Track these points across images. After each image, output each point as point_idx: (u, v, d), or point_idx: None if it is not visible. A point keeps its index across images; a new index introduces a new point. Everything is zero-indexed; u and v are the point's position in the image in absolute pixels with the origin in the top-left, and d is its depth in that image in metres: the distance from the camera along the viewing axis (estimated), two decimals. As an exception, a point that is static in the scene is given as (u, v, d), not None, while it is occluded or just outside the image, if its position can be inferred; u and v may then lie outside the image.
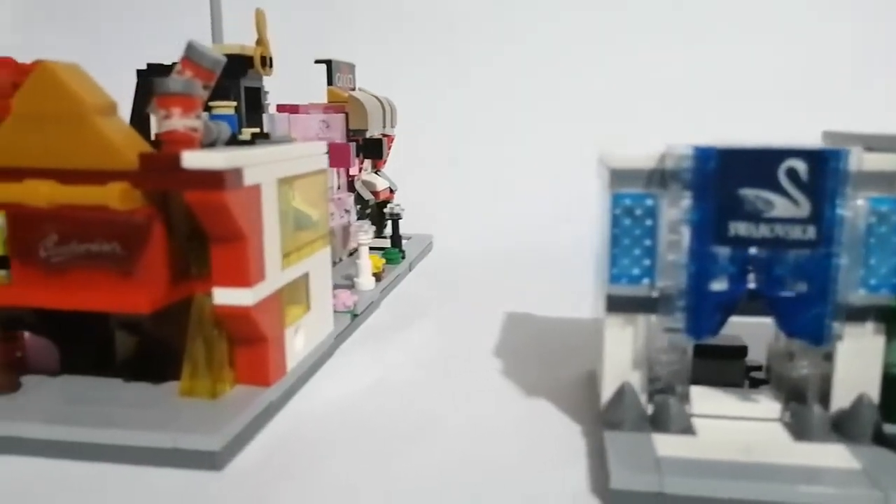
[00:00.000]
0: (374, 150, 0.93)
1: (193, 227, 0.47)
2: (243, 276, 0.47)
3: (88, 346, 0.52)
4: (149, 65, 0.71)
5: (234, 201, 0.44)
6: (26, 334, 0.53)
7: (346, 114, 0.89)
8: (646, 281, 0.44)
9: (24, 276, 0.48)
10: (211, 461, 0.43)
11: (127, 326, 0.49)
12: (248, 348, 0.50)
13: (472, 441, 0.47)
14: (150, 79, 0.68)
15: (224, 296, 0.47)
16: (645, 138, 0.45)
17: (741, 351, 0.49)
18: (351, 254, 0.91)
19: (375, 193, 0.98)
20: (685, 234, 0.42)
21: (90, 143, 0.44)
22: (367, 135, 0.91)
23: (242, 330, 0.49)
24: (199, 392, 0.49)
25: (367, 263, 0.76)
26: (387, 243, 0.95)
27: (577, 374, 0.59)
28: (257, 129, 0.70)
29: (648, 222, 0.43)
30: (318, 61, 0.92)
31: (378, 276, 0.80)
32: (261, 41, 0.71)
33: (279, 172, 0.51)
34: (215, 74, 0.49)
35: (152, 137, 0.50)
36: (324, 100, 0.90)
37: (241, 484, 0.42)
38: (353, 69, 1.00)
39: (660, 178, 0.43)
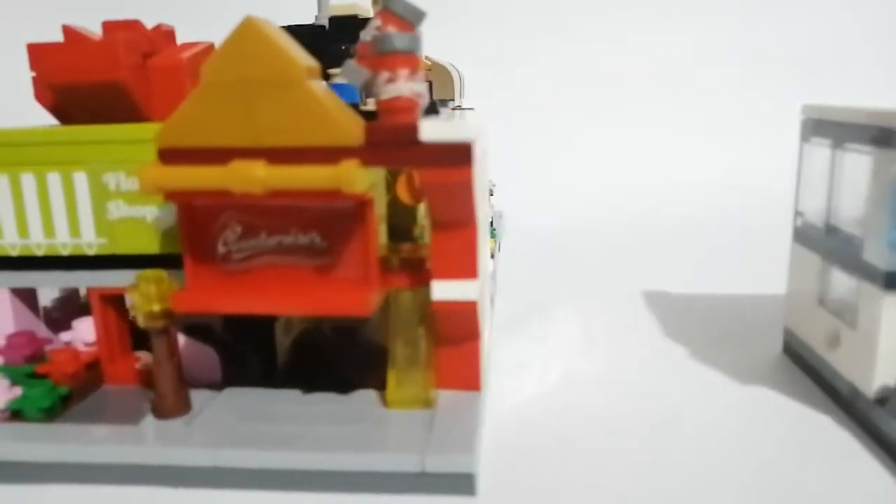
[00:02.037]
0: (456, 122, 0.86)
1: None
2: (469, 267, 0.40)
3: (260, 354, 0.45)
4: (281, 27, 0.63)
5: (474, 181, 0.37)
6: (181, 341, 0.45)
7: (430, 82, 0.81)
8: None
9: (200, 277, 0.41)
10: (468, 485, 0.37)
11: (339, 332, 0.42)
12: (455, 349, 0.43)
13: (718, 435, 0.42)
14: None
15: (446, 290, 0.40)
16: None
17: None
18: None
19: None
20: None
21: (306, 114, 0.36)
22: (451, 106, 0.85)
23: (460, 328, 0.42)
24: (410, 402, 0.42)
25: (488, 242, 0.70)
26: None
27: (768, 356, 0.54)
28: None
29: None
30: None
31: (492, 256, 0.74)
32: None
33: (481, 147, 0.44)
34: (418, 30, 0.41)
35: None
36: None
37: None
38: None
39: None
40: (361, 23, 0.63)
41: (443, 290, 0.40)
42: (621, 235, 0.95)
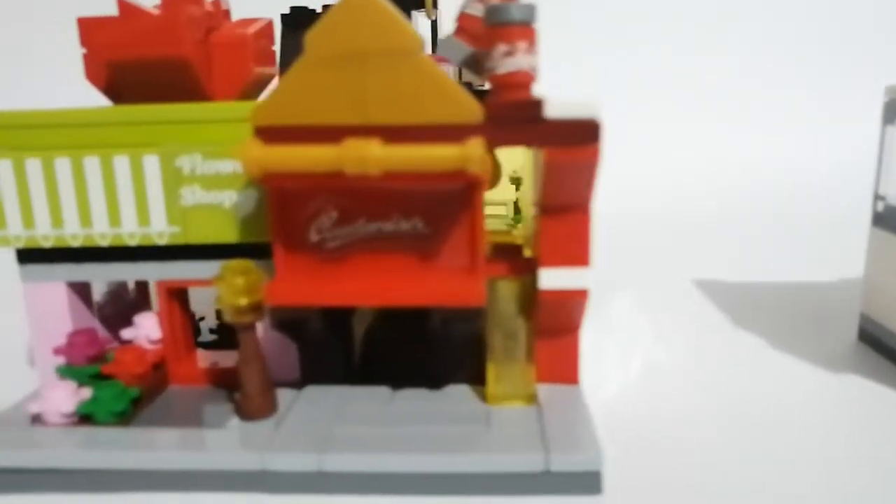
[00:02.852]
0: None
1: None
2: (581, 253, 0.38)
3: (344, 348, 0.42)
4: (293, 8, 0.59)
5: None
6: (260, 332, 0.42)
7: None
8: None
9: (292, 267, 0.38)
10: (594, 484, 0.35)
11: (451, 322, 0.39)
12: (553, 340, 0.41)
13: (817, 428, 0.41)
14: (299, 24, 0.57)
15: (556, 278, 0.38)
16: None
17: None
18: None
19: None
20: None
21: (424, 89, 0.33)
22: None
23: (565, 319, 0.40)
24: (511, 397, 0.40)
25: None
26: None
27: (844, 343, 0.53)
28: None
29: None
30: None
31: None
32: (427, -24, 0.60)
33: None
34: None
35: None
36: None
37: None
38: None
39: None
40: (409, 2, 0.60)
41: (553, 278, 0.38)
42: (679, 221, 0.93)
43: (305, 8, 0.59)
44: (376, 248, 0.38)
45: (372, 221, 0.37)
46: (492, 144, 0.34)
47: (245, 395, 0.39)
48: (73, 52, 0.44)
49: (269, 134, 0.34)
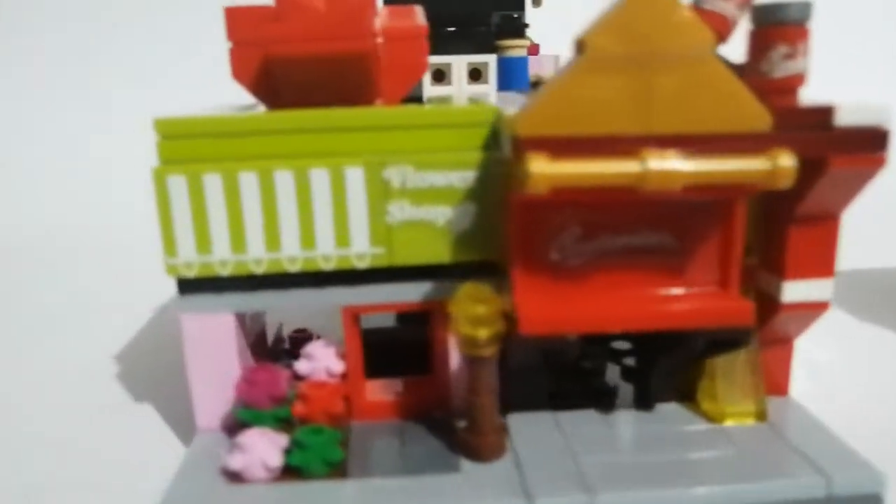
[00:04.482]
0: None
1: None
2: (827, 264, 0.36)
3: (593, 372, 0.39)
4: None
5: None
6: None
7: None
8: None
9: (534, 290, 0.34)
10: (876, 505, 0.33)
11: (719, 346, 0.36)
12: (768, 351, 0.39)
13: None
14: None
15: (799, 290, 0.36)
16: None
17: None
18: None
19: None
20: None
21: (716, 94, 0.30)
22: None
23: (794, 330, 0.38)
24: (742, 415, 0.38)
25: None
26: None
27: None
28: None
29: None
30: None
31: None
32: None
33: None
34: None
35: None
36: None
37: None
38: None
39: None
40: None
41: (796, 290, 0.36)
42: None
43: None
44: (619, 265, 0.35)
45: (618, 236, 0.34)
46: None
47: (478, 432, 0.35)
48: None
49: (535, 145, 0.31)
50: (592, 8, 0.31)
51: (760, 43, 0.33)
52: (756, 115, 0.31)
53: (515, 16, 0.54)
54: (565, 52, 0.66)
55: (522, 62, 0.53)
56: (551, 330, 0.33)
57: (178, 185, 0.34)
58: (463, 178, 0.35)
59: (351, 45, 0.37)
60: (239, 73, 0.39)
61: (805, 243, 0.36)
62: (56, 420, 0.44)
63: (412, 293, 0.37)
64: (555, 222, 0.34)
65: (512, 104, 0.36)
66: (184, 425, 0.41)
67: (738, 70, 0.35)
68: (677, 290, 0.35)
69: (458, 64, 0.53)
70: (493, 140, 0.36)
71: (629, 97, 0.30)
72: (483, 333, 0.33)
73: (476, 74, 0.55)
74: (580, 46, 0.30)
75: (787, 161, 0.30)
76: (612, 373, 0.40)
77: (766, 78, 0.33)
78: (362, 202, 0.35)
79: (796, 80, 0.32)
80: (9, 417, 0.45)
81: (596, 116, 0.30)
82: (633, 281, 0.35)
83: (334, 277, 0.37)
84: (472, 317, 0.33)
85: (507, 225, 0.34)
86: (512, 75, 0.53)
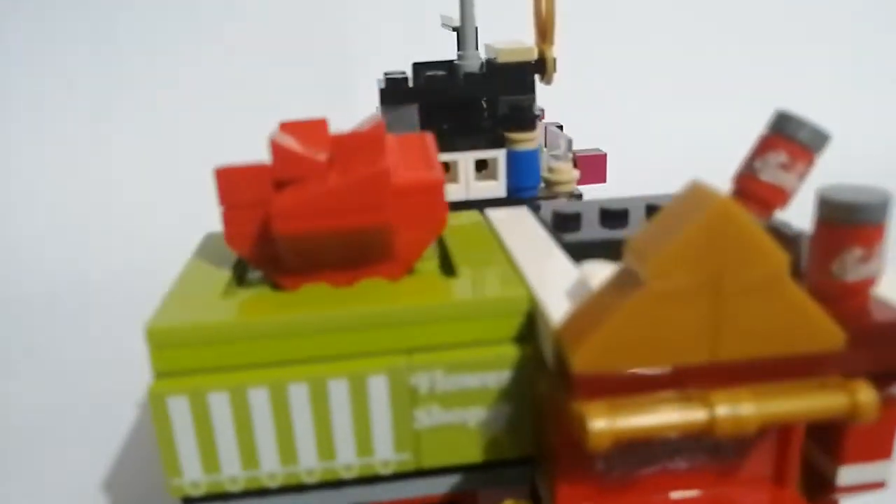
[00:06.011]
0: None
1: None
2: (887, 445, 0.34)
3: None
4: (389, 80, 0.49)
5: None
6: None
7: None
8: None
9: (577, 498, 0.31)
10: None
11: None
12: None
13: None
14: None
15: (856, 474, 0.34)
16: None
17: None
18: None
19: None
20: None
21: (788, 315, 0.27)
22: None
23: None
24: None
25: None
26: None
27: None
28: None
29: None
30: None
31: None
32: (545, 32, 0.51)
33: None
34: (814, 157, 0.32)
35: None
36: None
37: None
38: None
39: None
40: (531, 67, 0.51)
41: (852, 474, 0.34)
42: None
43: (404, 79, 0.50)
44: (667, 470, 0.32)
45: (667, 444, 0.31)
46: (851, 375, 0.29)
47: None
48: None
49: (592, 389, 0.27)
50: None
51: (831, 241, 0.29)
52: (827, 334, 0.28)
53: (525, 103, 0.49)
54: (568, 120, 0.61)
55: (533, 156, 0.49)
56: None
57: (179, 406, 0.30)
58: (498, 378, 0.32)
59: (369, 218, 0.33)
60: (233, 239, 0.35)
61: (865, 426, 0.33)
62: None
63: (439, 486, 0.34)
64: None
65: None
66: None
67: (799, 262, 0.32)
68: (721, 490, 0.32)
69: (465, 160, 0.49)
70: (527, 330, 0.32)
71: (696, 325, 0.27)
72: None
73: (483, 166, 0.51)
74: (639, 264, 0.27)
75: (868, 396, 0.27)
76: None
77: (837, 281, 0.29)
78: (386, 411, 0.31)
79: (869, 283, 0.29)
80: None
81: (659, 348, 0.27)
82: (681, 483, 0.32)
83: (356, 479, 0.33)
84: (514, 541, 0.30)
85: (549, 437, 0.31)
86: (521, 171, 0.49)
